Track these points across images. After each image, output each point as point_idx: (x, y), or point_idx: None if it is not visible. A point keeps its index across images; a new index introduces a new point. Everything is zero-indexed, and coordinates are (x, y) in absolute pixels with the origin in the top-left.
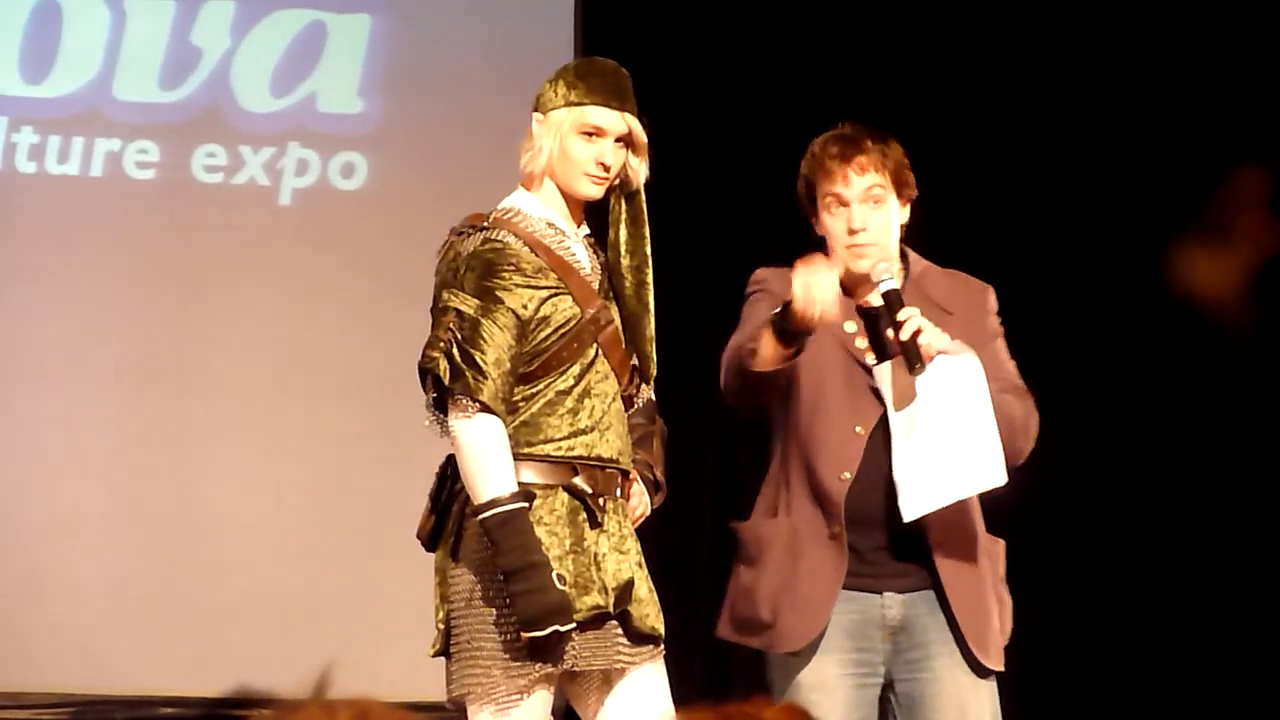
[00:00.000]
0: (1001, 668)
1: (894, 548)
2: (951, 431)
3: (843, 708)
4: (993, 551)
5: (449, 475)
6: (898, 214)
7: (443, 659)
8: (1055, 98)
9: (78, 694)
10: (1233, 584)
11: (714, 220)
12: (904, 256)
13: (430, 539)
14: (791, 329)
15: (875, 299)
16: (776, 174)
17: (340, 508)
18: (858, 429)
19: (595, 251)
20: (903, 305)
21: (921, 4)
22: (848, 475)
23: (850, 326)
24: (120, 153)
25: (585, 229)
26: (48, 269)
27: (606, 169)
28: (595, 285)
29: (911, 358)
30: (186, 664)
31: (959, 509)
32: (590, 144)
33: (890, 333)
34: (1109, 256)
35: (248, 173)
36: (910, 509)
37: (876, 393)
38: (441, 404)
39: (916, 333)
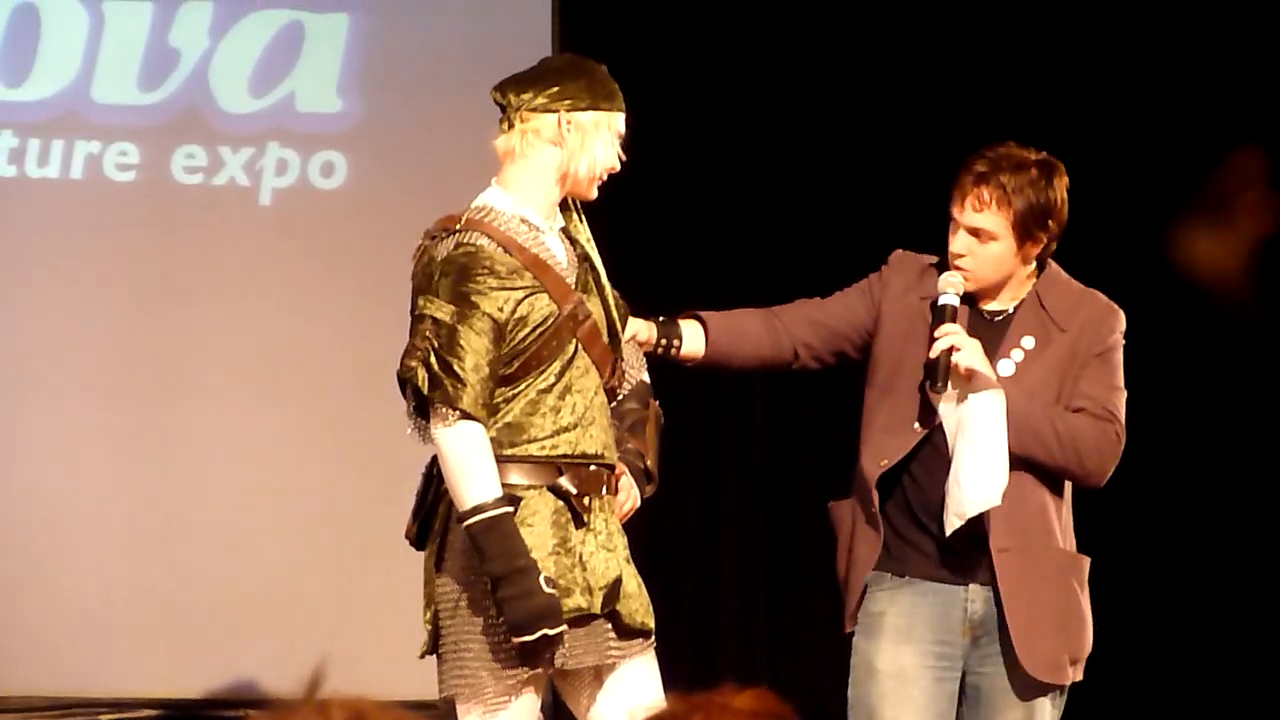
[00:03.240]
0: (1062, 682)
1: (979, 542)
2: (966, 456)
3: (921, 698)
4: (1070, 567)
5: (435, 476)
6: (1011, 253)
7: (432, 658)
8: (1051, 78)
9: (64, 697)
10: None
11: (692, 216)
12: (1041, 266)
13: (418, 539)
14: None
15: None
16: (754, 170)
17: (325, 507)
18: (915, 425)
19: (572, 242)
20: (947, 322)
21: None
22: (885, 462)
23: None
24: (100, 155)
25: (560, 221)
26: (29, 272)
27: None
28: (572, 279)
29: (934, 375)
30: (173, 666)
31: (1037, 519)
32: (615, 149)
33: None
34: (1110, 235)
35: (227, 173)
36: (947, 523)
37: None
38: (423, 411)
39: (947, 352)
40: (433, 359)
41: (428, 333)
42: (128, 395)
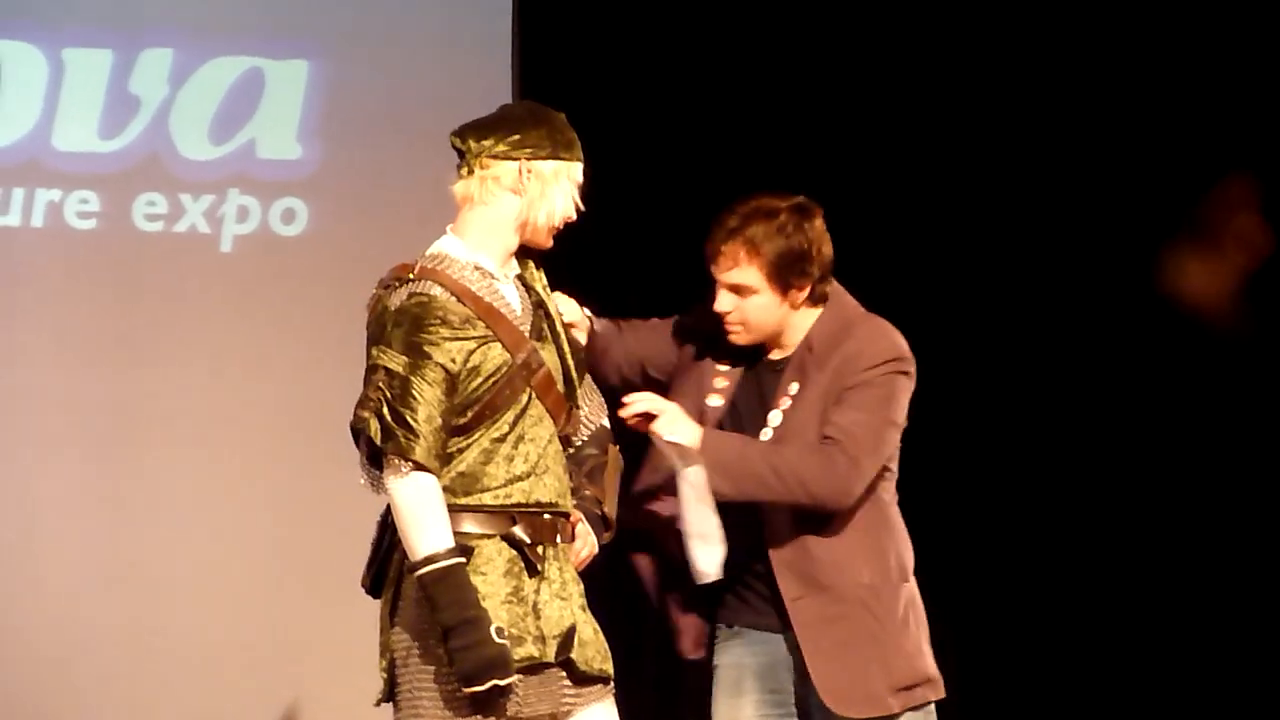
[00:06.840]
0: (887, 712)
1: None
2: (689, 531)
3: None
4: (868, 599)
5: (389, 525)
6: (775, 303)
7: (390, 705)
8: (1043, 101)
9: None
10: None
11: (648, 266)
12: (823, 299)
13: (372, 587)
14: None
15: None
16: (712, 220)
17: (286, 556)
18: None
19: (528, 290)
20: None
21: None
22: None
23: (720, 383)
24: (61, 203)
25: (516, 268)
26: None
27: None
28: (526, 327)
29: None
30: (135, 714)
31: (826, 560)
32: (573, 198)
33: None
34: (1100, 261)
35: (188, 220)
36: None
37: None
38: (376, 461)
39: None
40: (385, 410)
41: (380, 383)
42: (90, 442)
